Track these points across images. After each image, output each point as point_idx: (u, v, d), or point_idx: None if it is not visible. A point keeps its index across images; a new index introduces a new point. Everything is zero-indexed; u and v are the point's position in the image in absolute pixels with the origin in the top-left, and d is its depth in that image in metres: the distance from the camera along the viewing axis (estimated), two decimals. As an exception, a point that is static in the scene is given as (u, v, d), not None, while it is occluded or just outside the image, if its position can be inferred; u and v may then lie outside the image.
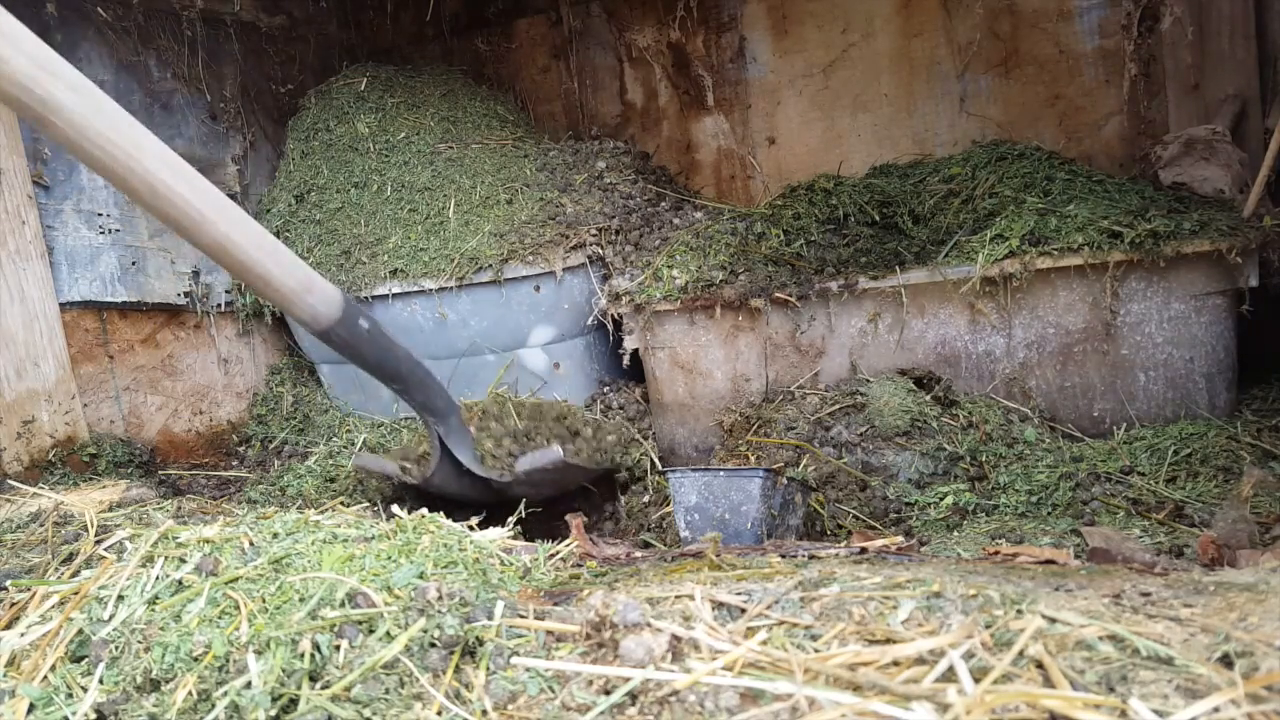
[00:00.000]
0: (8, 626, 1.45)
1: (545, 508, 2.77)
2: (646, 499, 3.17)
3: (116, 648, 1.31)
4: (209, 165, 4.15)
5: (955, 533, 2.40)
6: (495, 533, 1.75)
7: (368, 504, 3.03)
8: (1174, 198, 2.96)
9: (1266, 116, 3.37)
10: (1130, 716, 0.91)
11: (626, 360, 3.40)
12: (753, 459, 2.83)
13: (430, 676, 1.17)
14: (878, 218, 3.39)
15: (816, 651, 1.10)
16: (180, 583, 1.42)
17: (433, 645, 1.21)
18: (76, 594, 1.44)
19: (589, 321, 3.53)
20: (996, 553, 1.85)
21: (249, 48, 4.35)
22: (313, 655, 1.20)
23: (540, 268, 3.42)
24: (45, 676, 1.30)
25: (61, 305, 3.50)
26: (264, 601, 1.35)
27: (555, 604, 1.40)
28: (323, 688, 1.16)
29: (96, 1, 3.68)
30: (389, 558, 1.49)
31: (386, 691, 1.13)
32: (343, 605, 1.31)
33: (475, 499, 2.86)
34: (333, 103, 4.23)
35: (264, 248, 1.95)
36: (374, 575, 1.41)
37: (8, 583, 1.60)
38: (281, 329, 4.41)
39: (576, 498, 3.12)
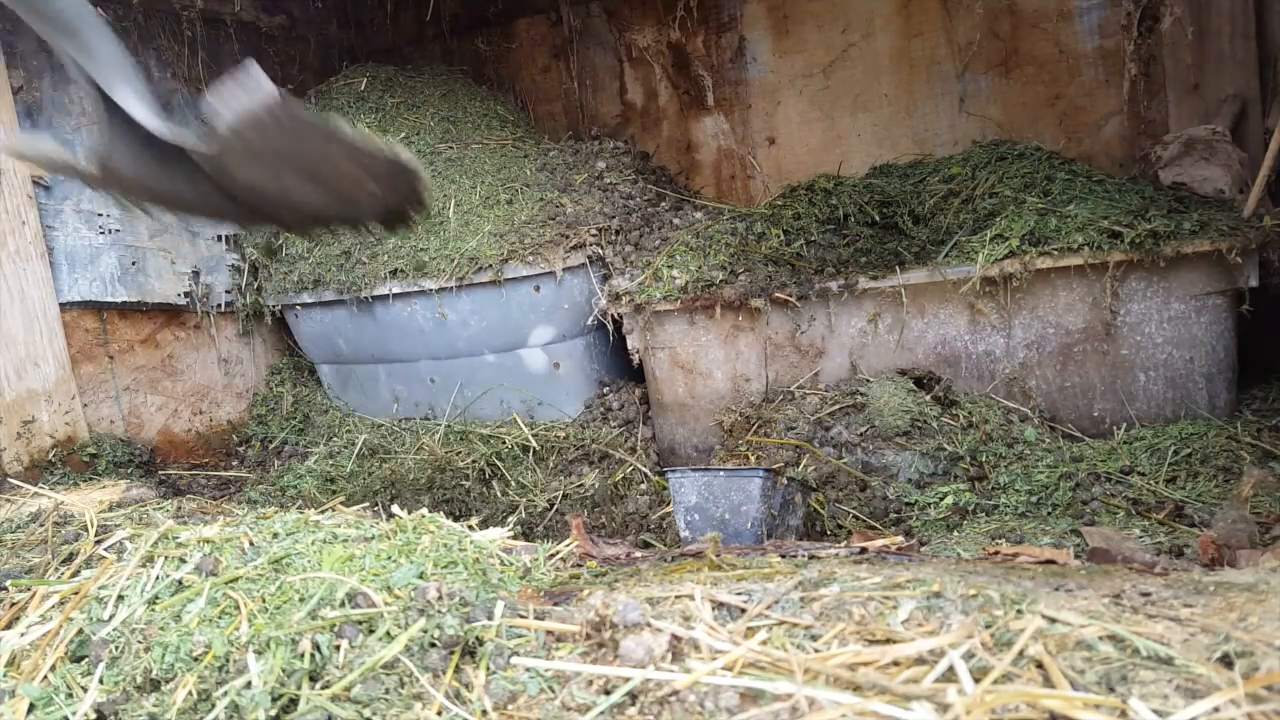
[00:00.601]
0: (8, 626, 1.45)
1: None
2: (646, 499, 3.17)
3: (116, 648, 1.31)
4: (209, 165, 4.15)
5: (955, 533, 2.40)
6: (495, 533, 1.75)
7: (367, 504, 3.03)
8: (1174, 198, 2.96)
9: (1266, 116, 3.37)
10: (1130, 716, 0.91)
11: (636, 361, 3.40)
12: (753, 459, 2.83)
13: (430, 676, 1.17)
14: (878, 218, 3.39)
15: (816, 651, 1.10)
16: (180, 583, 1.42)
17: (433, 645, 1.21)
18: (76, 594, 1.44)
19: (589, 321, 3.53)
20: (996, 553, 1.85)
21: (249, 48, 4.35)
22: (313, 655, 1.20)
23: (540, 268, 3.42)
24: (45, 676, 1.30)
25: (61, 305, 3.50)
26: (264, 601, 1.35)
27: (555, 604, 1.40)
28: (323, 688, 1.16)
29: (96, 1, 3.68)
30: (389, 558, 1.49)
31: (386, 691, 1.13)
32: (343, 605, 1.32)
33: (203, 203, 1.85)
34: (333, 103, 4.23)
35: None
36: (374, 575, 1.41)
37: (8, 583, 1.60)
38: (281, 329, 4.41)
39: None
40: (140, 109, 1.75)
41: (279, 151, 1.78)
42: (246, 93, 1.64)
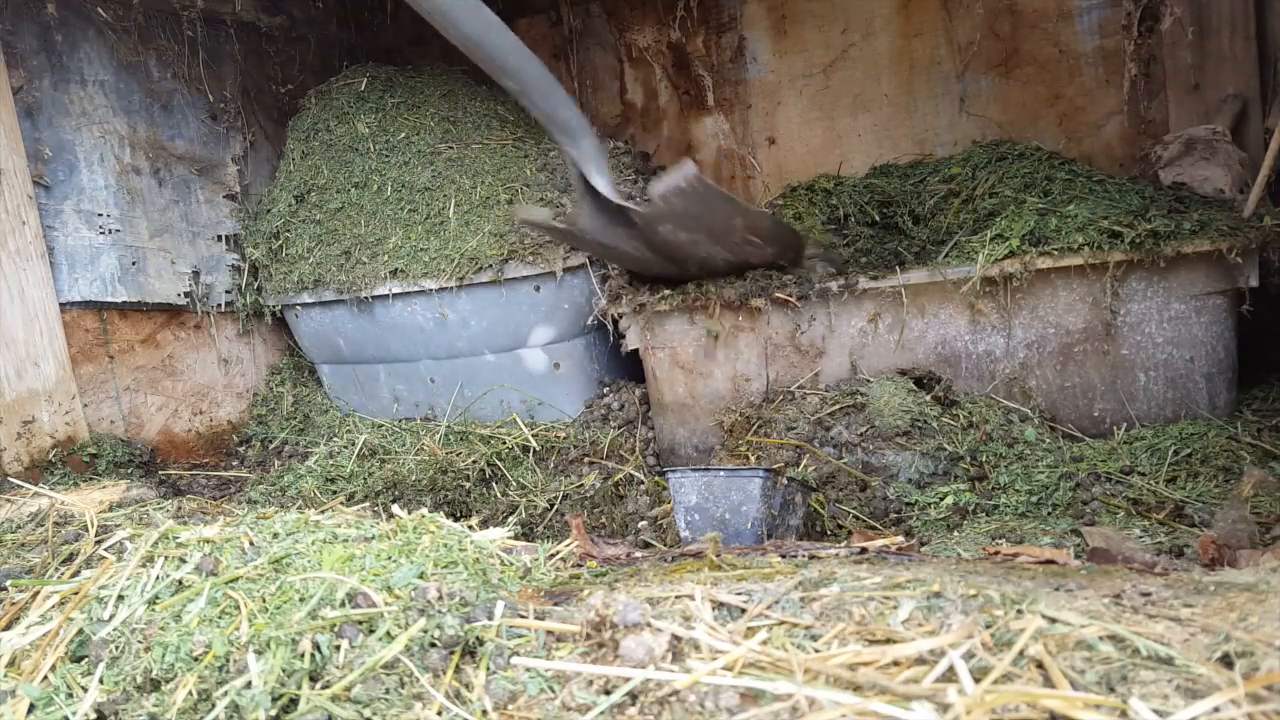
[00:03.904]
0: (8, 626, 1.45)
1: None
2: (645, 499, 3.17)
3: (116, 648, 1.31)
4: (209, 165, 4.15)
5: (955, 533, 2.40)
6: (495, 533, 1.75)
7: (368, 504, 3.03)
8: (1174, 198, 2.96)
9: (1266, 116, 3.37)
10: (1130, 716, 0.91)
11: (624, 353, 3.39)
12: (753, 459, 2.83)
13: (430, 676, 1.17)
14: (878, 218, 3.39)
15: (817, 651, 1.10)
16: (180, 583, 1.42)
17: (433, 645, 1.21)
18: (76, 594, 1.44)
19: (589, 321, 3.53)
20: (996, 553, 1.86)
21: (249, 48, 4.34)
22: (313, 655, 1.20)
23: (540, 268, 3.42)
24: (45, 676, 1.30)
25: (62, 305, 3.50)
26: (264, 601, 1.35)
27: (555, 604, 1.40)
28: (323, 688, 1.16)
29: (97, 2, 3.68)
30: (389, 558, 1.49)
31: (386, 691, 1.13)
32: (343, 605, 1.32)
33: (635, 255, 2.63)
34: (333, 103, 4.23)
35: None
36: (374, 575, 1.41)
37: (8, 583, 1.60)
38: (281, 329, 4.41)
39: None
40: (604, 183, 2.56)
41: (692, 214, 2.48)
42: (675, 173, 2.39)
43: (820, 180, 3.55)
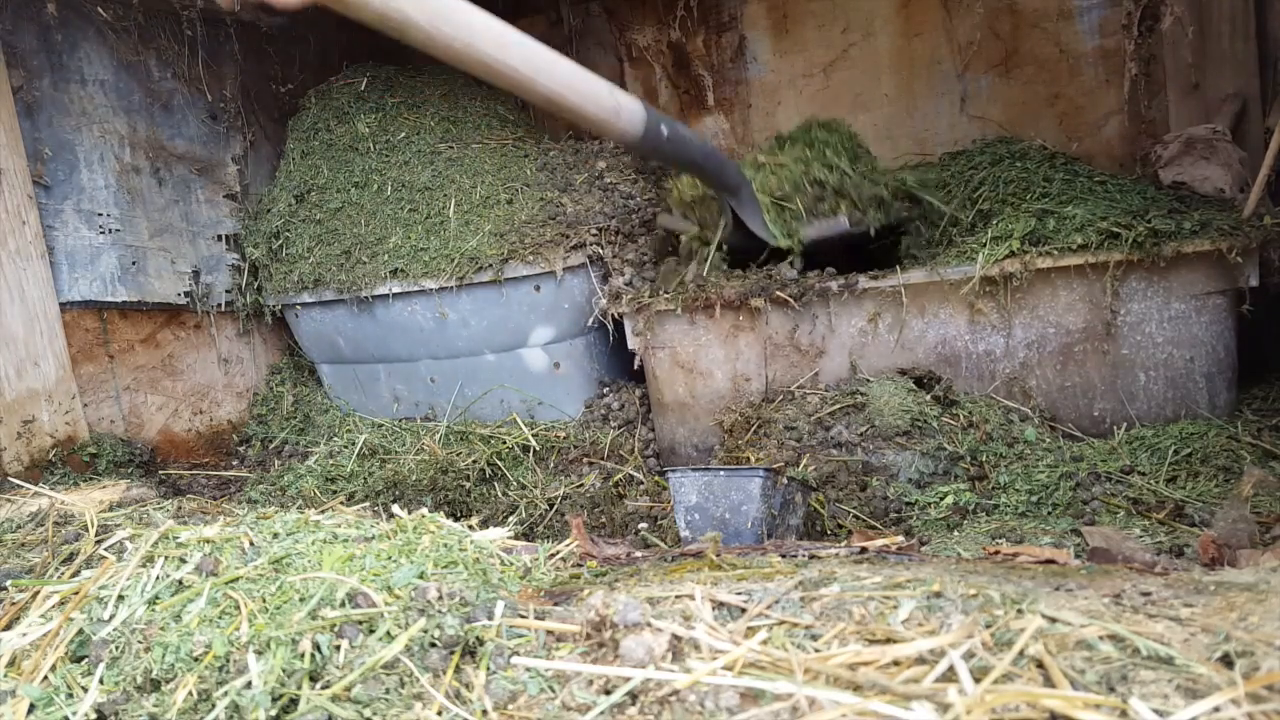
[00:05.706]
0: (8, 626, 1.45)
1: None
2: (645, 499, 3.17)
3: (117, 648, 1.31)
4: (209, 165, 4.15)
5: (955, 532, 2.40)
6: (495, 533, 1.75)
7: (368, 504, 3.03)
8: (1175, 197, 2.96)
9: (1267, 116, 3.37)
10: (1130, 716, 0.91)
11: (637, 364, 3.38)
12: (753, 458, 2.83)
13: (430, 676, 1.17)
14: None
15: (817, 651, 1.10)
16: (180, 583, 1.42)
17: (433, 645, 1.21)
18: (77, 594, 1.44)
19: (589, 321, 3.53)
20: (997, 552, 1.86)
21: (249, 48, 4.34)
22: (313, 655, 1.20)
23: (540, 268, 3.42)
24: (45, 676, 1.30)
25: (62, 305, 3.50)
26: (264, 601, 1.35)
27: (555, 604, 1.40)
28: (323, 688, 1.16)
29: (97, 2, 3.68)
30: (389, 558, 1.49)
31: (387, 691, 1.13)
32: (343, 605, 1.32)
33: (762, 252, 3.29)
34: (333, 102, 4.23)
35: (583, 93, 2.42)
36: (374, 575, 1.41)
37: (8, 583, 1.60)
38: (281, 329, 4.41)
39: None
40: (758, 227, 3.15)
41: (828, 247, 3.19)
42: (830, 226, 3.11)
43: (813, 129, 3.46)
